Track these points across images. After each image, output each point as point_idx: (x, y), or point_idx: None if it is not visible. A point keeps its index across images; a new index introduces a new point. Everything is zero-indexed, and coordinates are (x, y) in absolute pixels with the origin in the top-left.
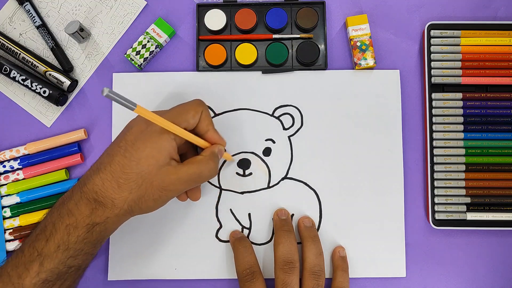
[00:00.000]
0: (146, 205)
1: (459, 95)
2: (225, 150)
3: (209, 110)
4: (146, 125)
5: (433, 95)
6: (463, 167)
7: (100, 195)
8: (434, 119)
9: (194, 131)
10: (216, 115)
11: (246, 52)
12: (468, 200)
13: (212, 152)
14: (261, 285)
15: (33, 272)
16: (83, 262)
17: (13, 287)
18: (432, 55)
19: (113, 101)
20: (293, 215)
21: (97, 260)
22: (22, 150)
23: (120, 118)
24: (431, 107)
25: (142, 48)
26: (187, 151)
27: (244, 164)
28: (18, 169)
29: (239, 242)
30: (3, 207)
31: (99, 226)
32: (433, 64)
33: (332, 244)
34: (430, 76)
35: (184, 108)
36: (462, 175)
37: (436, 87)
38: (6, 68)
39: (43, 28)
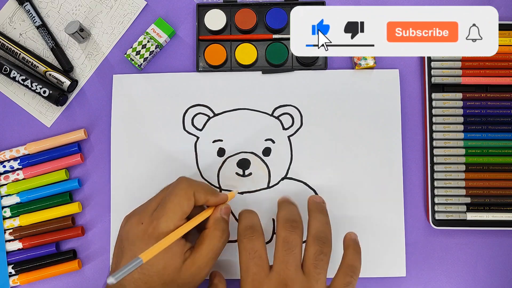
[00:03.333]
0: None
1: (459, 95)
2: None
3: (208, 109)
4: (148, 239)
5: (433, 95)
6: (463, 167)
7: None
8: (434, 119)
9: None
10: (216, 115)
11: (246, 52)
12: (468, 200)
13: (215, 220)
14: (260, 244)
15: None
16: None
17: None
18: None
19: (112, 102)
20: None
21: (98, 260)
22: (22, 150)
23: (121, 118)
24: (431, 107)
25: (142, 48)
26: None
27: (243, 164)
28: (18, 169)
29: (246, 210)
30: (3, 207)
31: None
32: (433, 64)
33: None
34: (430, 76)
35: (176, 203)
36: (462, 175)
37: (436, 87)
38: (6, 68)
39: (43, 28)
